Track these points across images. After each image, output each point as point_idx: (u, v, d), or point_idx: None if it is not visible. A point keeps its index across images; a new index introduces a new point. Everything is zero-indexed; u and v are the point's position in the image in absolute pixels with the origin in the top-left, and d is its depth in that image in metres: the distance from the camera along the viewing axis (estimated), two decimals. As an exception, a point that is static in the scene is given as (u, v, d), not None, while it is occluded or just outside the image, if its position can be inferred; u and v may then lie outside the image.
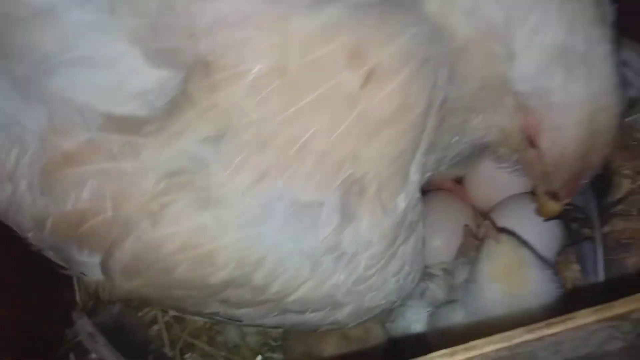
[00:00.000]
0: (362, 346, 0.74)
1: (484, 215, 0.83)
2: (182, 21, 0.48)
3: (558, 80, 0.56)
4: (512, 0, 0.54)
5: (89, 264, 0.56)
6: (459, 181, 0.88)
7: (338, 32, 0.48)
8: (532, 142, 0.61)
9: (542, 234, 0.76)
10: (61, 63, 0.49)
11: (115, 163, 0.50)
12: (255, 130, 0.49)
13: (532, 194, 0.75)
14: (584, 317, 0.42)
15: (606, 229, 0.78)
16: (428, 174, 0.60)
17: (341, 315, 0.58)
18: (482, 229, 0.70)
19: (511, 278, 0.63)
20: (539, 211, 0.71)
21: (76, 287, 0.88)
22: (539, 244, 0.75)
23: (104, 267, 0.55)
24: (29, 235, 0.57)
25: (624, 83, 0.63)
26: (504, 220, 0.79)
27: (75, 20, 0.49)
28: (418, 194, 0.57)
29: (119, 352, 0.82)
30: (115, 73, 0.50)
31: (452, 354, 0.41)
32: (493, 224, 0.71)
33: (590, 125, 0.58)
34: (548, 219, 0.73)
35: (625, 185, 0.83)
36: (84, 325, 0.84)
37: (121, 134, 0.50)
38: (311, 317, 0.57)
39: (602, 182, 0.79)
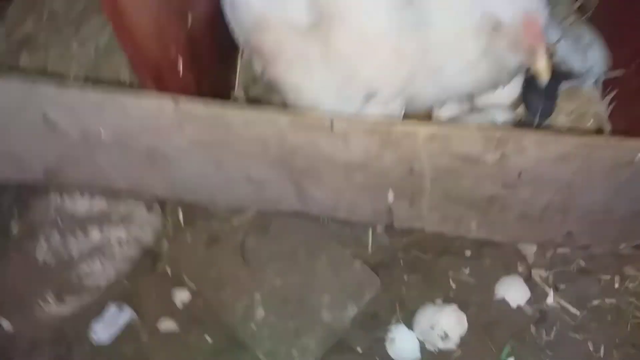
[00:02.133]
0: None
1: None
2: None
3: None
4: None
5: (259, 64, 1.26)
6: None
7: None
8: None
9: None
10: None
11: (279, 39, 1.14)
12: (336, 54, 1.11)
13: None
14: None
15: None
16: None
17: None
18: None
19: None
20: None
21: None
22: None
23: (262, 69, 1.23)
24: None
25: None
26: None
27: None
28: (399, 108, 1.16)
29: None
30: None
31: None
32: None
33: None
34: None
35: (559, 118, 1.39)
36: (239, 93, 1.52)
37: (287, 30, 1.13)
38: None
39: (548, 111, 1.35)
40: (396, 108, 1.17)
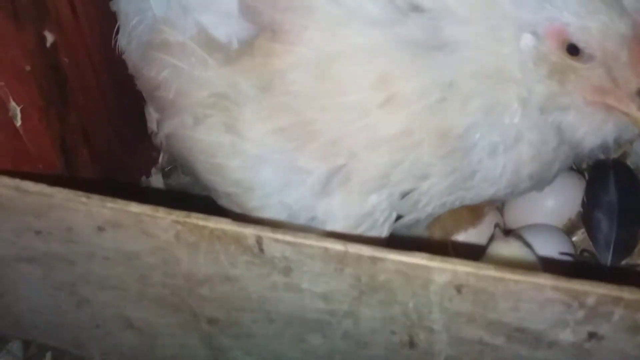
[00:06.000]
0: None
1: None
2: None
3: None
4: None
5: (153, 117, 0.78)
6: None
7: (376, 57, 0.61)
8: (571, 50, 0.58)
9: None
10: None
11: (189, 68, 0.68)
12: (288, 99, 0.63)
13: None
14: (545, 279, 0.49)
15: (612, 284, 0.85)
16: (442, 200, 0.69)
17: None
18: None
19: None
20: None
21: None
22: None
23: (158, 124, 0.76)
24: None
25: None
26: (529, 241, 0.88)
27: None
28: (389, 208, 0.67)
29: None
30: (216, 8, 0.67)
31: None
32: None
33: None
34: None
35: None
36: (156, 181, 1.02)
37: (202, 50, 0.67)
38: None
39: (627, 245, 0.86)
40: (383, 212, 0.68)
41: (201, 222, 0.51)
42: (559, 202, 0.90)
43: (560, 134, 0.63)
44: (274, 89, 0.64)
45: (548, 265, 0.78)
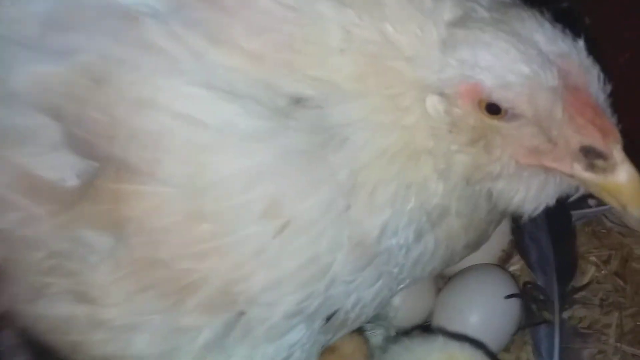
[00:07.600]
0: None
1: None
2: (106, 123, 0.47)
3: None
4: None
5: None
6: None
7: (259, 179, 0.46)
8: (490, 109, 0.46)
9: (500, 311, 0.75)
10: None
11: (14, 226, 0.50)
12: (152, 251, 0.47)
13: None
14: None
15: (566, 314, 0.77)
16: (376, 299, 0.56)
17: None
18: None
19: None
20: (610, 200, 0.47)
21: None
22: (496, 321, 0.75)
23: None
24: None
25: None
26: (466, 289, 0.78)
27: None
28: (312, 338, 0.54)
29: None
30: (35, 142, 0.49)
31: None
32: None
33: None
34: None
35: (590, 273, 0.83)
36: (8, 336, 0.79)
37: (28, 199, 0.49)
38: None
39: (567, 265, 0.79)
40: (304, 345, 0.54)
41: None
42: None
43: (493, 200, 0.52)
44: (131, 240, 0.47)
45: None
